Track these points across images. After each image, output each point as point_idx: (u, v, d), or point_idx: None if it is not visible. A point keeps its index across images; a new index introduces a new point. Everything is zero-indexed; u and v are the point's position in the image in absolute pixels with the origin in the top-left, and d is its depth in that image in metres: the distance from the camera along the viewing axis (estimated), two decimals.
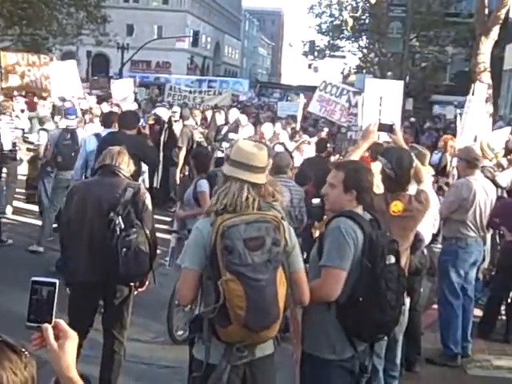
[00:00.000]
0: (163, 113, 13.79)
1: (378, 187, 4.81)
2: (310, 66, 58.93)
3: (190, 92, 18.59)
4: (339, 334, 3.57)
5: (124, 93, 15.59)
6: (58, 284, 1.81)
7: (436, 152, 11.61)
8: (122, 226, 4.72)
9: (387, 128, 4.81)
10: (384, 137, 5.80)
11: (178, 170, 11.64)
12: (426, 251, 5.71)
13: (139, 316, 6.92)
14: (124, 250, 4.69)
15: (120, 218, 4.73)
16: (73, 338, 1.81)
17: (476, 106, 10.02)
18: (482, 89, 10.18)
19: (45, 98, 14.90)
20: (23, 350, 1.59)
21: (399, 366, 4.79)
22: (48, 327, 1.78)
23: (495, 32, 13.10)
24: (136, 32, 66.68)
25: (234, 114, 13.61)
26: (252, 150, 3.35)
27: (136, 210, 4.80)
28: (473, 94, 10.24)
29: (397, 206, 4.32)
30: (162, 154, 12.02)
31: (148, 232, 4.84)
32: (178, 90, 18.43)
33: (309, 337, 3.65)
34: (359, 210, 3.69)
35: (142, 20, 67.07)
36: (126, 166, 5.00)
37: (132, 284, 4.95)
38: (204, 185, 6.71)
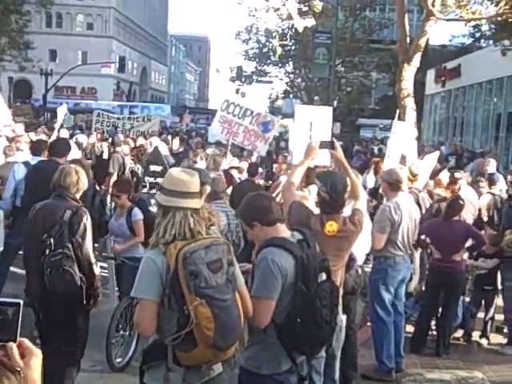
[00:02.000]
0: (84, 139, 13.65)
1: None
2: (237, 91, 59.31)
3: (119, 118, 18.47)
4: (279, 350, 3.69)
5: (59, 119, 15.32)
6: (22, 304, 1.84)
7: (365, 175, 11.93)
8: (52, 248, 4.81)
9: (328, 145, 4.94)
10: (323, 158, 5.94)
11: (109, 197, 11.44)
12: (360, 271, 5.89)
13: None
14: (49, 269, 4.82)
15: (52, 239, 4.82)
16: (37, 355, 1.84)
17: (403, 129, 10.35)
18: (410, 114, 10.55)
19: None
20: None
21: (338, 382, 4.90)
22: (13, 346, 1.81)
23: (417, 59, 13.65)
24: (60, 57, 65.73)
25: (155, 141, 13.25)
26: (185, 177, 3.45)
27: (71, 230, 4.86)
28: (399, 119, 10.60)
29: (332, 226, 4.46)
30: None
31: (80, 253, 4.87)
32: (106, 117, 18.27)
33: (248, 353, 3.73)
34: (283, 231, 3.80)
35: (66, 45, 66.22)
36: (76, 188, 5.06)
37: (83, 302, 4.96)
38: (139, 213, 6.75)
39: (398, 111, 10.17)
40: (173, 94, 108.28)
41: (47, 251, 4.81)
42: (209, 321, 3.17)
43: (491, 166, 11.10)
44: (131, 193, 7.12)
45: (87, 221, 4.95)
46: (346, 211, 4.66)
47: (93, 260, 5.01)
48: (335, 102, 34.01)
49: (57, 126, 14.44)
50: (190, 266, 3.18)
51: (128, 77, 71.14)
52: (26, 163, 8.22)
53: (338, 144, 5.00)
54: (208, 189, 5.53)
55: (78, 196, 5.09)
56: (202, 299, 3.16)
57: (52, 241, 4.82)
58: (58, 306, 4.91)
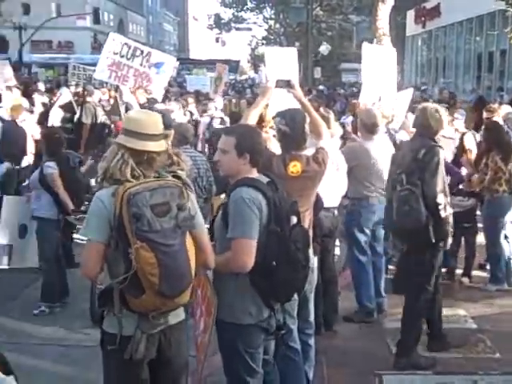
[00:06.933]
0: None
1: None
2: (217, 39, 58.64)
3: (96, 71, 18.05)
4: (254, 298, 3.62)
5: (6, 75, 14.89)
6: None
7: (344, 117, 11.79)
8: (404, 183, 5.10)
9: (285, 84, 4.85)
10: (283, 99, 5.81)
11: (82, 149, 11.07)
12: (336, 213, 5.81)
13: None
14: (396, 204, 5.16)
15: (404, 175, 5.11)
16: None
17: (374, 52, 10.06)
18: (369, 48, 10.22)
19: None
20: None
21: (313, 323, 4.87)
22: None
23: None
24: (33, 11, 63.93)
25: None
26: (140, 116, 3.35)
27: (421, 168, 5.01)
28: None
29: (295, 167, 4.34)
30: None
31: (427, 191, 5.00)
32: (82, 70, 17.83)
33: (224, 305, 3.65)
34: (254, 173, 3.72)
35: None
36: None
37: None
38: (52, 166, 6.52)
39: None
40: (152, 45, 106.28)
41: (398, 186, 5.03)
42: (153, 266, 3.05)
43: None
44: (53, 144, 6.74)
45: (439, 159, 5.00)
46: (309, 151, 4.56)
47: (439, 200, 4.98)
48: (324, 47, 33.49)
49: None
50: (133, 208, 3.06)
51: (105, 29, 69.29)
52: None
53: (295, 82, 4.88)
54: (172, 133, 5.37)
55: None
56: (143, 243, 3.04)
57: (404, 177, 5.00)
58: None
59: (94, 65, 19.81)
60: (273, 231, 3.55)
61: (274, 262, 3.53)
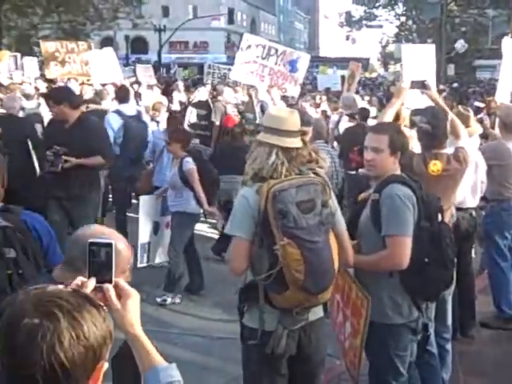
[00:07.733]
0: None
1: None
2: (347, 37, 58.27)
3: (230, 70, 18.47)
4: (404, 297, 3.61)
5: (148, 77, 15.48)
6: (114, 244, 1.84)
7: (479, 116, 11.35)
8: None
9: (420, 85, 4.79)
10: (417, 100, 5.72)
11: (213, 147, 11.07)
12: (474, 213, 5.64)
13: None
14: None
15: None
16: (134, 296, 1.83)
17: None
18: (510, 43, 9.70)
19: (90, 83, 14.88)
20: (101, 304, 1.60)
21: (451, 327, 4.76)
22: (109, 287, 1.80)
23: None
24: (172, 13, 66.47)
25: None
26: (282, 114, 3.37)
27: None
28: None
29: (436, 166, 4.29)
30: None
31: None
32: (217, 68, 18.27)
33: (372, 305, 3.60)
34: (398, 171, 3.69)
35: (177, 0, 66.78)
36: None
37: None
38: (190, 162, 6.66)
39: None
40: (283, 43, 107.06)
41: None
42: (298, 263, 3.07)
43: None
44: (187, 142, 6.93)
45: None
46: (449, 151, 4.47)
47: None
48: (460, 44, 32.32)
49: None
50: (279, 205, 3.08)
51: (238, 29, 70.95)
52: (118, 112, 8.49)
53: (429, 83, 4.79)
54: (311, 130, 5.42)
55: None
56: (290, 239, 3.06)
57: None
58: None
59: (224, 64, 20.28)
60: (424, 227, 3.54)
61: (426, 259, 3.51)
